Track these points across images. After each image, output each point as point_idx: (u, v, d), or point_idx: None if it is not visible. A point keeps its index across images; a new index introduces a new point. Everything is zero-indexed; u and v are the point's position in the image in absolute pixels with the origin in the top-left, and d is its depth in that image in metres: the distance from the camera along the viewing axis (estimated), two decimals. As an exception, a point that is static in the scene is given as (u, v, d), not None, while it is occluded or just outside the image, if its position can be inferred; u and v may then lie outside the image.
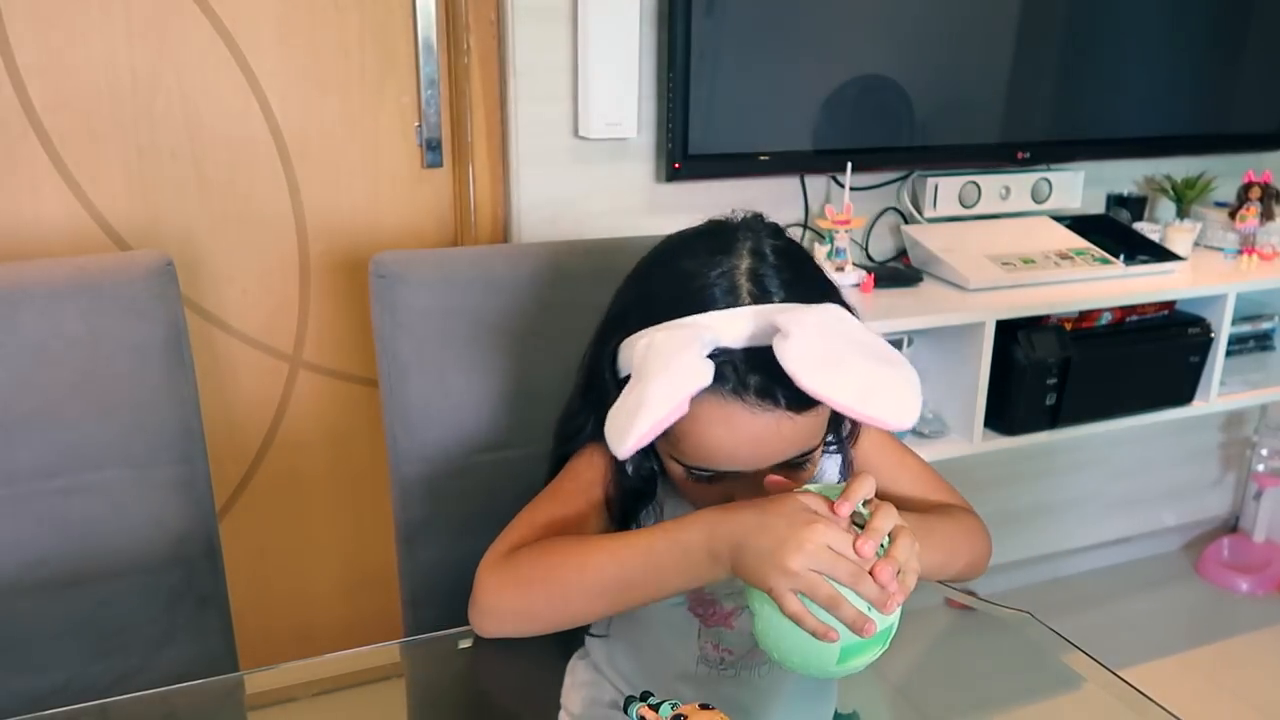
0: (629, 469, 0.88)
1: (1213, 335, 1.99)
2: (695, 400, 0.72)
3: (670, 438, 0.79)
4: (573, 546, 0.82)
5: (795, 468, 0.82)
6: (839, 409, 0.71)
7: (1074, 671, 0.73)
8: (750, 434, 0.76)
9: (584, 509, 0.89)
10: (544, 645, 0.99)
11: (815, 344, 0.70)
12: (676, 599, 0.89)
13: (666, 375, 0.71)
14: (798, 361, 0.70)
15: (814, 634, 0.69)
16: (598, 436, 0.83)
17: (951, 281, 1.89)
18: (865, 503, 0.72)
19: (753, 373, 0.74)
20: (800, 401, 0.75)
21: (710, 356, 0.73)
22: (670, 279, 0.81)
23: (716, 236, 0.82)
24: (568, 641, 1.02)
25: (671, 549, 0.75)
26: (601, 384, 0.85)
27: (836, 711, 0.99)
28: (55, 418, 1.01)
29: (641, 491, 0.89)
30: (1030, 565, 2.47)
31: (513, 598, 0.82)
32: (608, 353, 0.85)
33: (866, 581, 0.68)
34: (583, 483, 0.90)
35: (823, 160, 1.89)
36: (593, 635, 0.91)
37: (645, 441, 0.72)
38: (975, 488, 2.44)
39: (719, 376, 0.73)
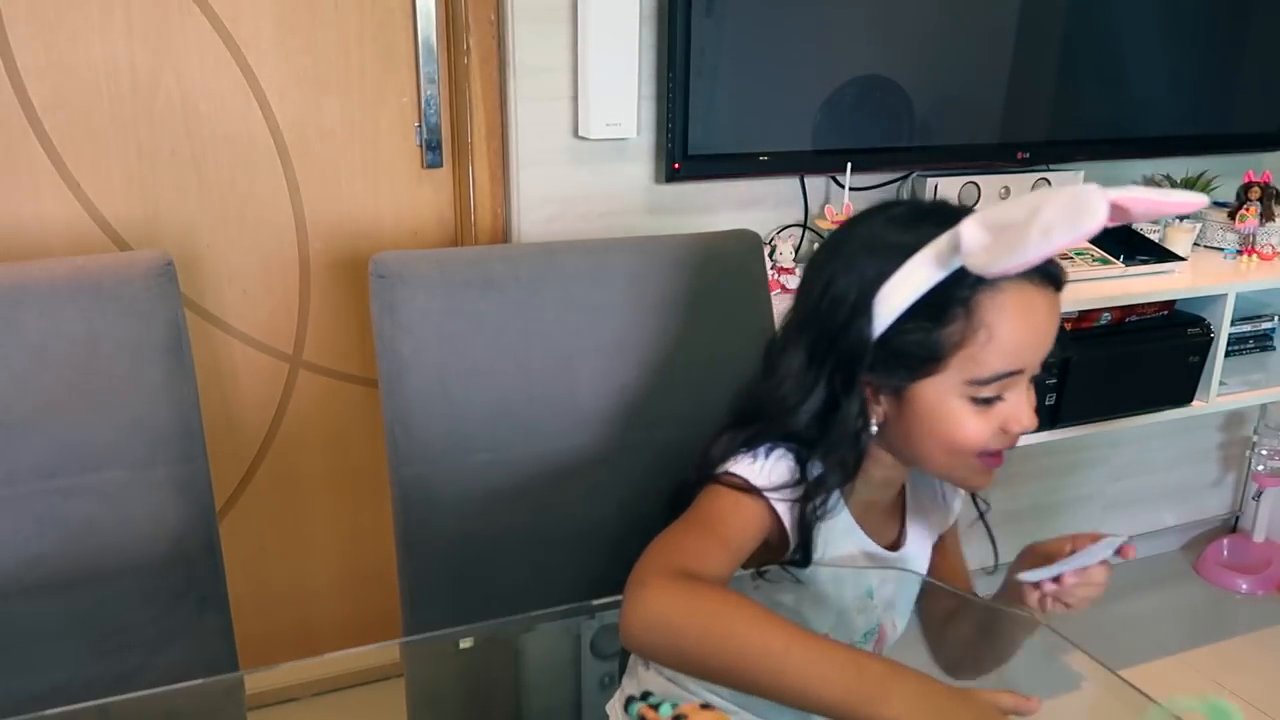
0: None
1: (1213, 335, 1.99)
2: (1003, 292, 0.81)
3: (972, 353, 0.82)
4: (753, 604, 0.77)
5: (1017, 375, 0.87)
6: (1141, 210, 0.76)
7: (1074, 671, 0.73)
8: (1043, 314, 0.84)
9: (732, 557, 0.85)
10: (543, 645, 0.99)
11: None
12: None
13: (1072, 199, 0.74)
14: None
15: None
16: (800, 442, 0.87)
17: (951, 281, 1.89)
18: None
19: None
20: (1060, 281, 0.86)
21: None
22: (901, 230, 0.85)
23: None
24: (566, 643, 1.02)
25: (846, 661, 0.71)
26: (849, 351, 0.84)
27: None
28: (55, 418, 1.01)
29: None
30: (1030, 565, 2.46)
31: (677, 607, 0.75)
32: (859, 313, 0.84)
33: None
34: (734, 529, 0.86)
35: (822, 160, 1.88)
36: None
37: (1048, 251, 0.74)
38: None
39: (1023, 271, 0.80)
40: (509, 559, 1.17)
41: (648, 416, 1.18)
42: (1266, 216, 2.14)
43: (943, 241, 0.80)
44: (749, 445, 0.89)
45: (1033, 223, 0.73)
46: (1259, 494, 2.57)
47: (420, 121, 1.75)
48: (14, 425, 0.99)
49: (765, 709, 0.96)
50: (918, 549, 1.01)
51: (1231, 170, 2.23)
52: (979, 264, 0.77)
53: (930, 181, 1.99)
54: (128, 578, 1.06)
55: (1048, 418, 1.90)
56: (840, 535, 0.91)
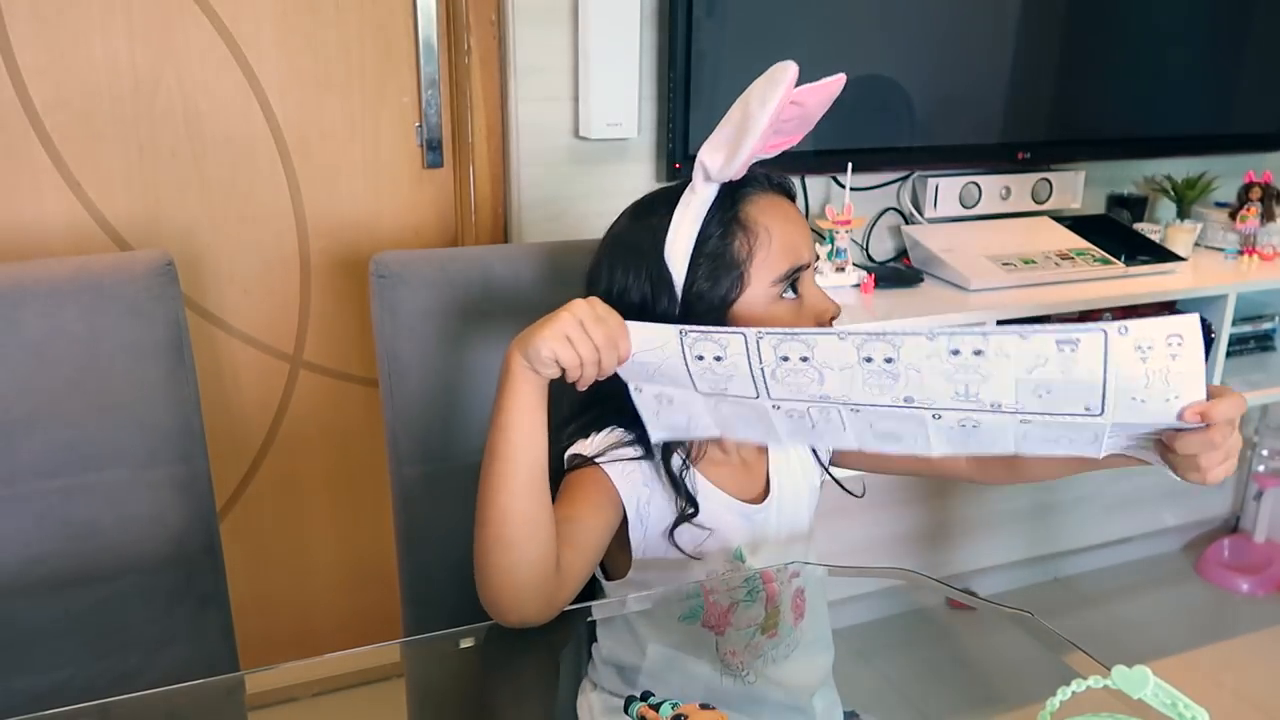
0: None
1: (1213, 335, 1.99)
2: (756, 202, 0.92)
3: (764, 257, 0.91)
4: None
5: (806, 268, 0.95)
6: None
7: (1074, 671, 0.74)
8: (795, 214, 0.94)
9: (590, 517, 0.91)
10: (544, 646, 0.99)
11: None
12: (689, 616, 0.93)
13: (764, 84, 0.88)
14: None
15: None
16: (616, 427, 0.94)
17: (952, 282, 1.89)
18: None
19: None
20: (791, 193, 0.97)
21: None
22: (648, 208, 0.95)
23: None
24: (566, 642, 1.02)
25: (503, 386, 0.84)
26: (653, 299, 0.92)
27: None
28: (55, 418, 1.01)
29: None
30: (1030, 565, 2.47)
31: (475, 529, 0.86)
32: (659, 289, 0.91)
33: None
34: (590, 493, 0.92)
35: (823, 160, 1.89)
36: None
37: (754, 151, 0.87)
38: (976, 487, 2.44)
39: (763, 182, 0.94)
40: (509, 559, 1.17)
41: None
42: (1267, 217, 2.15)
43: (690, 187, 0.91)
44: (584, 432, 0.96)
45: (746, 110, 0.87)
46: (1260, 494, 2.57)
47: (421, 121, 1.75)
48: (14, 425, 1.00)
49: (765, 709, 0.97)
50: (785, 500, 1.03)
51: (1231, 170, 2.23)
52: (726, 171, 0.87)
53: (931, 181, 2.00)
54: (128, 578, 1.07)
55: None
56: (700, 497, 0.96)
